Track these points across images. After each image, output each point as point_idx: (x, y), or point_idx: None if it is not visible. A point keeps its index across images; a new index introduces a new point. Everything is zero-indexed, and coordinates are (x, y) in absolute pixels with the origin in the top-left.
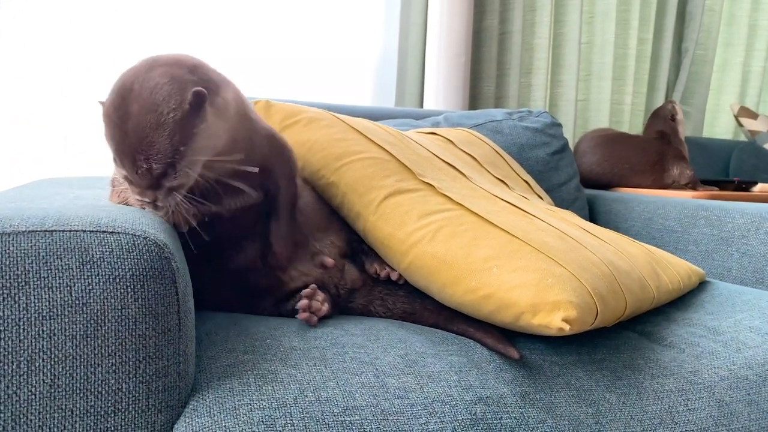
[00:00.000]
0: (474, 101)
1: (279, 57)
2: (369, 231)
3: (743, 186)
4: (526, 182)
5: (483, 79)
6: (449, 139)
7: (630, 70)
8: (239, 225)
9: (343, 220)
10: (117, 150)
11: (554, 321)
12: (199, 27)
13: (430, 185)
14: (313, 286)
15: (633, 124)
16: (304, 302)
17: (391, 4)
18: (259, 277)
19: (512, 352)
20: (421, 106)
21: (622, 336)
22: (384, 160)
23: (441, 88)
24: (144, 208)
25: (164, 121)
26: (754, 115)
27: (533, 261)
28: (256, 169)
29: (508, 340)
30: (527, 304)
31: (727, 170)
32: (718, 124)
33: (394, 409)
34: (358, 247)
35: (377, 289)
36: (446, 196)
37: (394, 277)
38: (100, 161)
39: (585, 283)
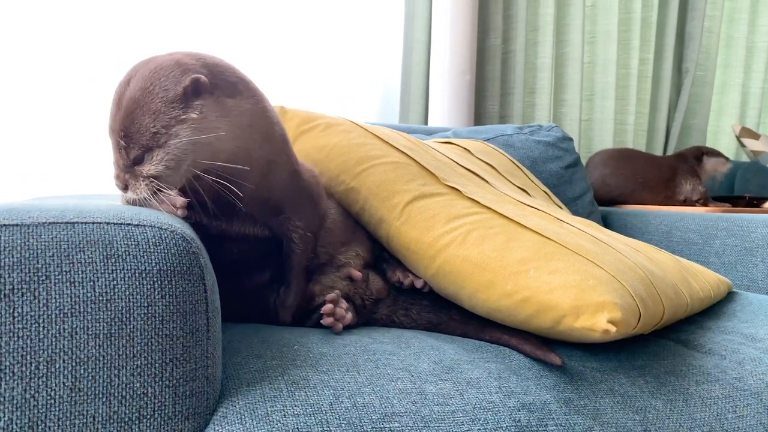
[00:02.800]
0: (478, 120)
1: (282, 75)
2: (393, 237)
3: (754, 202)
4: (545, 192)
5: (487, 97)
6: (466, 149)
7: (632, 90)
8: (251, 250)
9: (365, 229)
10: (109, 127)
11: (599, 323)
12: (207, 42)
13: (455, 189)
14: (337, 292)
15: (636, 143)
16: (328, 307)
17: (394, 21)
18: (273, 298)
19: (554, 358)
20: (426, 123)
21: (659, 343)
22: (406, 164)
23: (446, 106)
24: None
25: (151, 100)
26: (756, 136)
27: (572, 263)
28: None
29: (547, 345)
30: (569, 306)
31: (732, 190)
32: (720, 145)
33: (434, 416)
34: (380, 255)
35: (401, 299)
36: (473, 199)
37: (418, 284)
38: None
39: (626, 285)
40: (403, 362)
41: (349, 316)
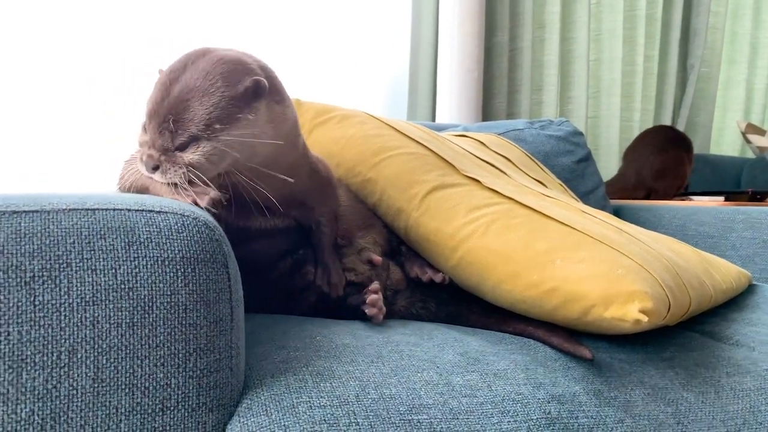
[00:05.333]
0: (486, 117)
1: (290, 74)
2: (412, 228)
3: (758, 196)
4: (561, 185)
5: (495, 95)
6: (481, 141)
7: (638, 87)
8: (272, 242)
9: (381, 220)
10: (152, 108)
11: (630, 313)
12: (220, 36)
13: (475, 180)
14: (377, 283)
15: None
16: (374, 296)
17: (401, 19)
18: (296, 281)
19: (584, 351)
20: (434, 120)
21: (686, 335)
22: (423, 155)
23: (454, 103)
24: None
25: (211, 92)
26: (761, 132)
27: (598, 252)
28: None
29: (575, 338)
30: (598, 296)
31: (739, 185)
32: (724, 142)
33: (463, 408)
34: (397, 248)
35: (419, 291)
36: (493, 190)
37: (438, 279)
38: None
39: (654, 274)
40: (428, 354)
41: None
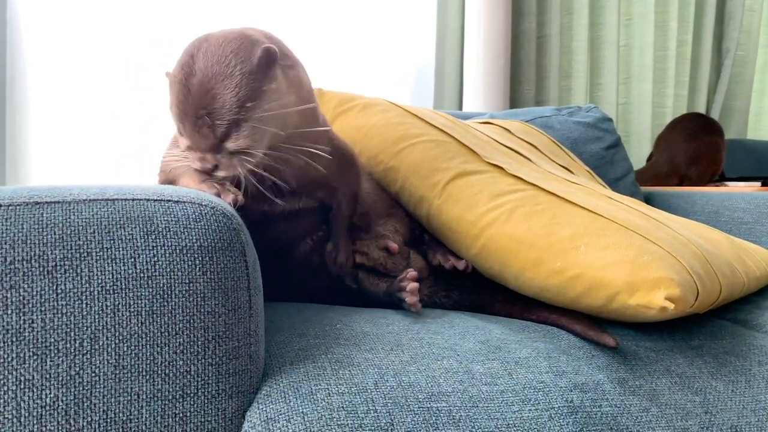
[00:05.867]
0: (514, 104)
1: (317, 63)
2: (434, 215)
3: None
4: (588, 172)
5: (522, 82)
6: (506, 128)
7: (670, 72)
8: (293, 225)
9: (403, 209)
10: (179, 110)
11: (656, 300)
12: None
13: (498, 167)
14: (414, 271)
15: None
16: (413, 285)
17: (427, 8)
18: (315, 261)
19: (608, 339)
20: (461, 109)
21: (716, 323)
22: (446, 142)
23: (481, 91)
24: (204, 185)
25: (231, 73)
26: None
27: (623, 238)
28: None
29: (599, 326)
30: (623, 283)
31: None
32: (762, 126)
33: (483, 396)
34: (420, 237)
35: (441, 280)
36: (517, 176)
37: (461, 266)
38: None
39: (682, 261)
40: (448, 341)
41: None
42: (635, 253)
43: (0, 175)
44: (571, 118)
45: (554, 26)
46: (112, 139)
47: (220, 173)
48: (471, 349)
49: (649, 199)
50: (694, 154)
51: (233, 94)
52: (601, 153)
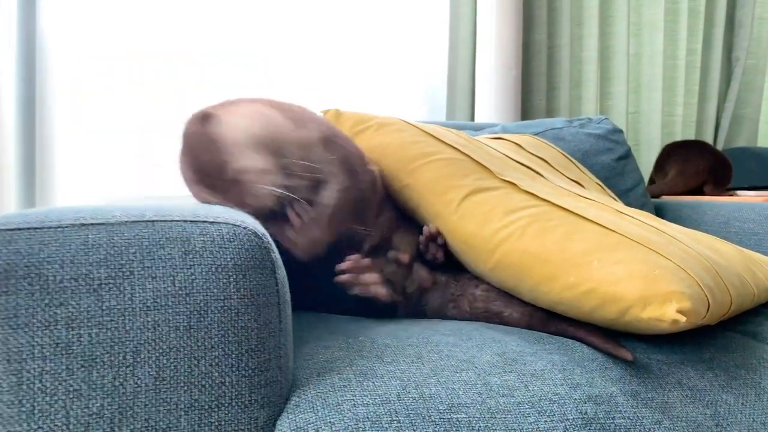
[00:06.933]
0: (526, 114)
1: (329, 74)
2: (450, 231)
3: None
4: (599, 185)
5: (533, 92)
6: (518, 143)
7: (680, 81)
8: None
9: (412, 223)
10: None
11: (668, 313)
12: (258, 45)
13: (511, 183)
14: (367, 260)
15: (685, 135)
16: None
17: (439, 19)
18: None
19: (624, 352)
20: (473, 119)
21: (726, 336)
22: (460, 160)
23: (493, 102)
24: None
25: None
26: None
27: (636, 253)
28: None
29: (614, 339)
30: (635, 297)
31: None
32: None
33: (500, 407)
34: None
35: (449, 291)
36: (530, 192)
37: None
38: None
39: (693, 275)
40: (466, 354)
41: (380, 290)
42: (647, 267)
43: (30, 186)
44: (582, 129)
45: (565, 36)
46: (138, 154)
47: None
48: (488, 361)
49: (659, 210)
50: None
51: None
52: (611, 164)
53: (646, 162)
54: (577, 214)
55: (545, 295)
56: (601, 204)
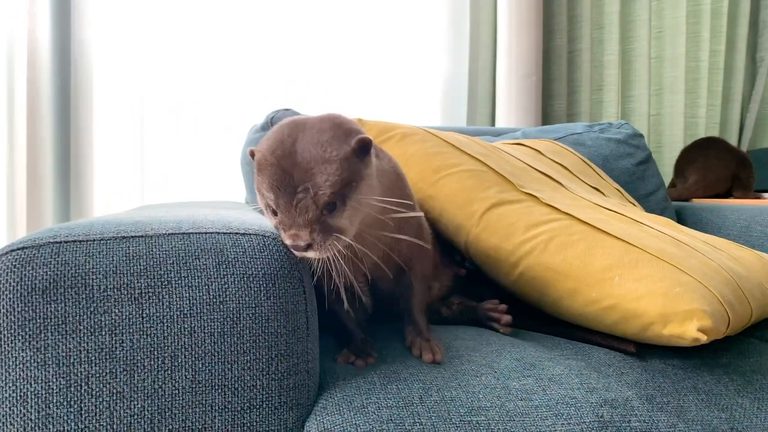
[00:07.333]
0: (546, 119)
1: (350, 80)
2: (472, 243)
3: None
4: (618, 190)
5: (554, 96)
6: (537, 150)
7: (703, 83)
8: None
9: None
10: (275, 186)
11: (688, 331)
12: (282, 58)
13: (533, 196)
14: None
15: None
16: (507, 318)
17: (459, 26)
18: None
19: (626, 345)
20: (493, 124)
21: (744, 342)
22: (482, 171)
23: (513, 108)
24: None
25: (329, 158)
26: None
27: (656, 269)
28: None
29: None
30: (656, 314)
31: None
32: None
33: (519, 411)
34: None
35: (467, 298)
36: (551, 206)
37: None
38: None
39: (713, 291)
40: (486, 359)
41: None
42: (668, 284)
43: (65, 192)
44: (602, 134)
45: (585, 41)
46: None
47: (311, 253)
48: (507, 366)
49: (680, 214)
50: (733, 168)
51: (335, 173)
52: (632, 169)
53: (669, 164)
54: (598, 229)
55: (568, 309)
56: (620, 215)
